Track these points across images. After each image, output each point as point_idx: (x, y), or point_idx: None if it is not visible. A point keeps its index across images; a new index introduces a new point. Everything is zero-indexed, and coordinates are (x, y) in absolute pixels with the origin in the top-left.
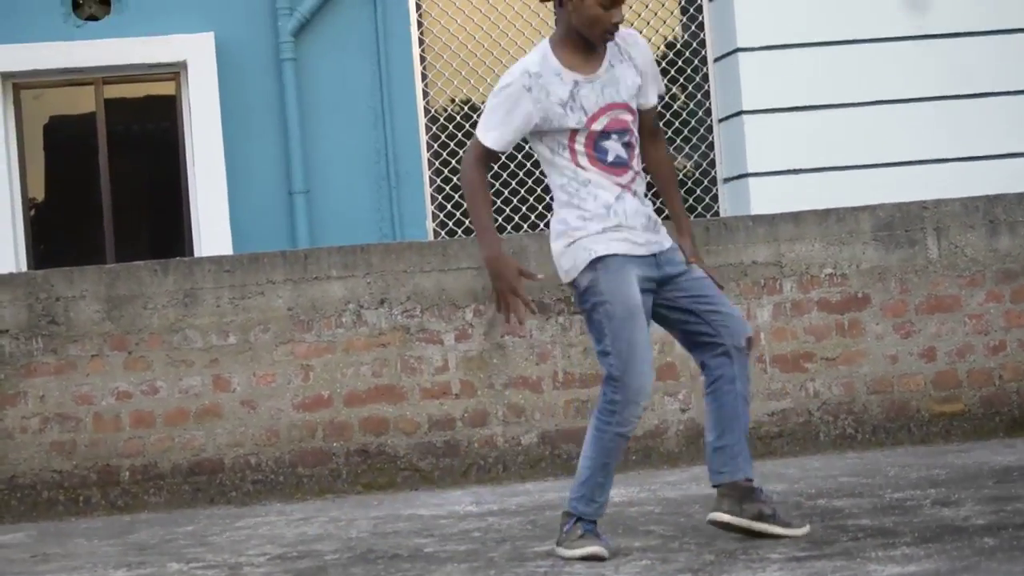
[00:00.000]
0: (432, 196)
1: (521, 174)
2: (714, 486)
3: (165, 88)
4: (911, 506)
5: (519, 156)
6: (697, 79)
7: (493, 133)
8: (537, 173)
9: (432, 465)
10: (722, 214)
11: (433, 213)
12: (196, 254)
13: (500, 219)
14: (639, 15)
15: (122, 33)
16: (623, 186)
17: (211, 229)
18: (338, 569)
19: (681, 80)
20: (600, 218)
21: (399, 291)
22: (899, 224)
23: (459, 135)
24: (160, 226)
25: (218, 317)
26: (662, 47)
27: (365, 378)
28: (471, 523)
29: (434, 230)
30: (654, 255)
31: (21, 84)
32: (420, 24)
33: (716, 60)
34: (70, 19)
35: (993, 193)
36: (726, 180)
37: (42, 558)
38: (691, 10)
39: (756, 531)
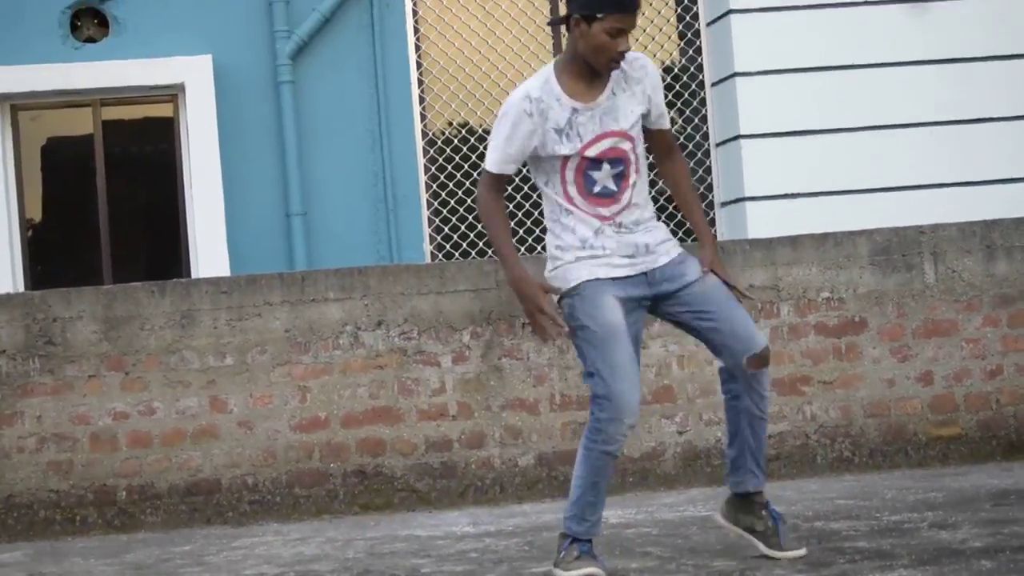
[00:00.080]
0: (429, 219)
1: (518, 197)
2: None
3: (163, 110)
4: (908, 529)
5: (516, 179)
6: (695, 103)
7: (493, 156)
8: (535, 196)
9: (429, 486)
10: (719, 238)
11: (430, 236)
12: (193, 275)
13: None
14: (637, 39)
15: (120, 55)
16: (606, 218)
17: (208, 251)
18: None
19: (679, 104)
20: (575, 249)
21: (396, 313)
22: (896, 248)
23: (456, 158)
24: (157, 247)
25: (215, 338)
26: (660, 71)
27: (362, 399)
28: (468, 544)
29: (431, 253)
30: (644, 274)
31: (19, 105)
32: (418, 47)
33: (714, 85)
34: (68, 41)
35: (990, 218)
36: (723, 204)
37: None
38: (689, 35)
39: (746, 541)
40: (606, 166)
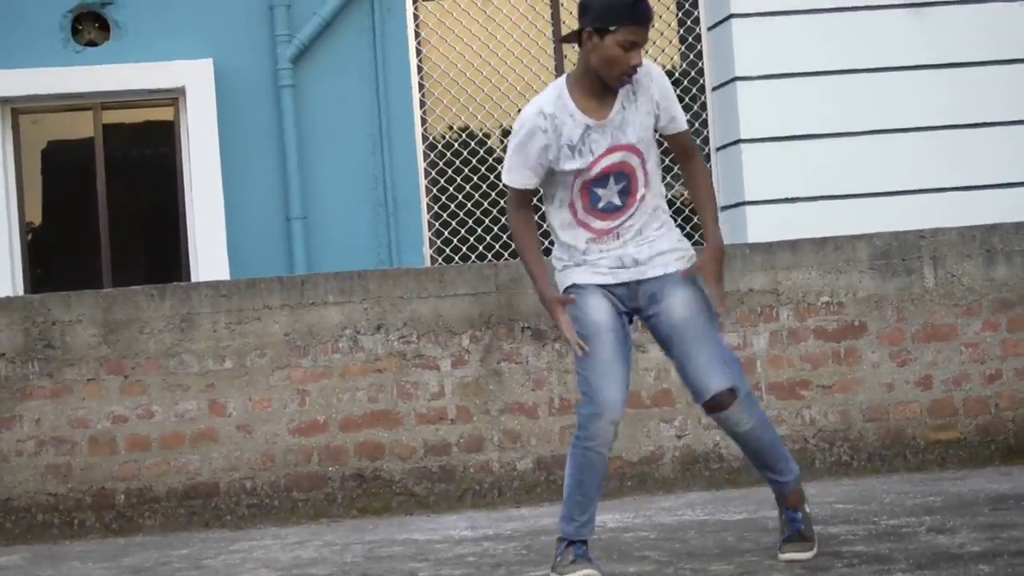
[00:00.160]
0: (429, 223)
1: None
2: None
3: (163, 114)
4: (906, 533)
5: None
6: (695, 108)
7: (512, 173)
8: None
9: (427, 490)
10: None
11: (430, 239)
12: (193, 279)
13: (497, 246)
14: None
15: (121, 59)
16: (607, 231)
17: (208, 254)
18: None
19: None
20: (566, 259)
21: (396, 317)
22: (896, 253)
23: (457, 162)
24: (157, 251)
25: (215, 342)
26: None
27: (361, 403)
28: (466, 548)
29: (431, 256)
30: (626, 284)
31: (20, 109)
32: (419, 51)
33: (714, 89)
34: (69, 45)
35: (990, 223)
36: (723, 208)
37: None
38: (690, 39)
39: None
40: (611, 182)
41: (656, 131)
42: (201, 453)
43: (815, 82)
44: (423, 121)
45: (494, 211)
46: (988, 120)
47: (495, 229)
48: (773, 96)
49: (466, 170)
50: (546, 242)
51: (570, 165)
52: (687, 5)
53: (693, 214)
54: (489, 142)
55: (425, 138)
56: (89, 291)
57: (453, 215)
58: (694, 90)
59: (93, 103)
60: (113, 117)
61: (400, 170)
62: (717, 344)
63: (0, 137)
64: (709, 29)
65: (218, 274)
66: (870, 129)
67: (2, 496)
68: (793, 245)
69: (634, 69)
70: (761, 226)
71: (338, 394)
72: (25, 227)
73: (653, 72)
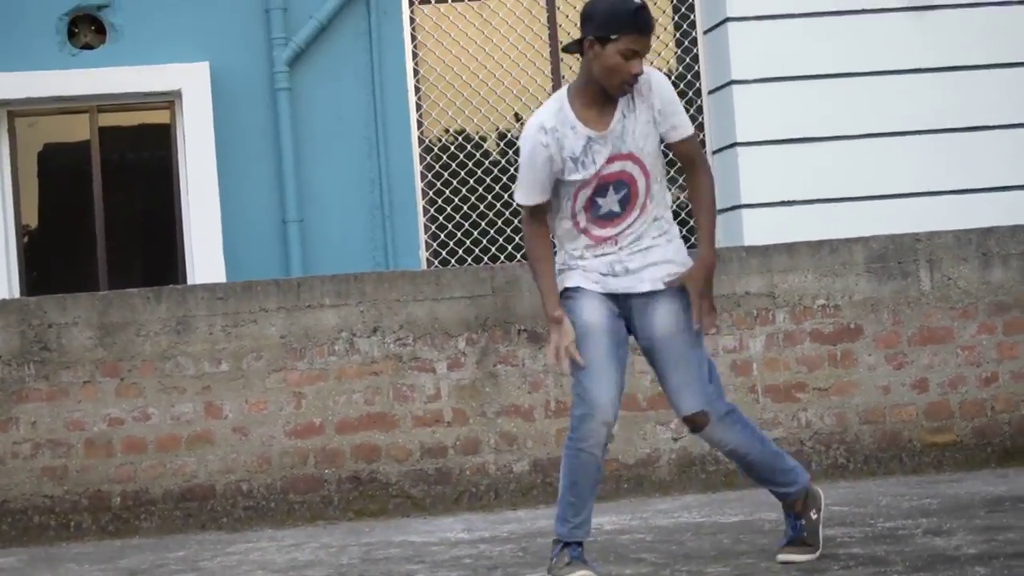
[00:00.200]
0: (425, 226)
1: (515, 204)
2: None
3: (160, 117)
4: (903, 535)
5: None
6: (691, 111)
7: (521, 189)
8: None
9: (424, 492)
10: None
11: (426, 242)
12: (189, 282)
13: (493, 249)
14: None
15: (117, 62)
16: (607, 239)
17: (204, 257)
18: None
19: None
20: (561, 263)
21: (392, 320)
22: (892, 256)
23: (453, 165)
24: (153, 254)
25: (211, 344)
26: None
27: (357, 406)
28: (462, 550)
29: (427, 259)
30: (614, 295)
31: (16, 112)
32: (415, 55)
33: (710, 92)
34: (65, 48)
35: (986, 226)
36: (720, 211)
37: None
38: (686, 43)
39: None
40: (611, 191)
41: (661, 140)
42: (197, 455)
43: (811, 85)
44: (419, 124)
45: (490, 214)
46: (984, 123)
47: (491, 232)
48: (769, 99)
49: (462, 173)
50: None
51: (573, 176)
52: (683, 8)
53: (691, 217)
54: (485, 145)
55: (421, 141)
56: (85, 293)
57: (449, 218)
58: (690, 93)
59: (89, 106)
60: (109, 120)
61: (396, 173)
62: (697, 364)
63: None
64: (705, 32)
65: (214, 277)
66: (866, 132)
67: None
68: (789, 248)
69: (635, 78)
70: (757, 229)
71: (334, 396)
72: (21, 230)
73: (652, 80)
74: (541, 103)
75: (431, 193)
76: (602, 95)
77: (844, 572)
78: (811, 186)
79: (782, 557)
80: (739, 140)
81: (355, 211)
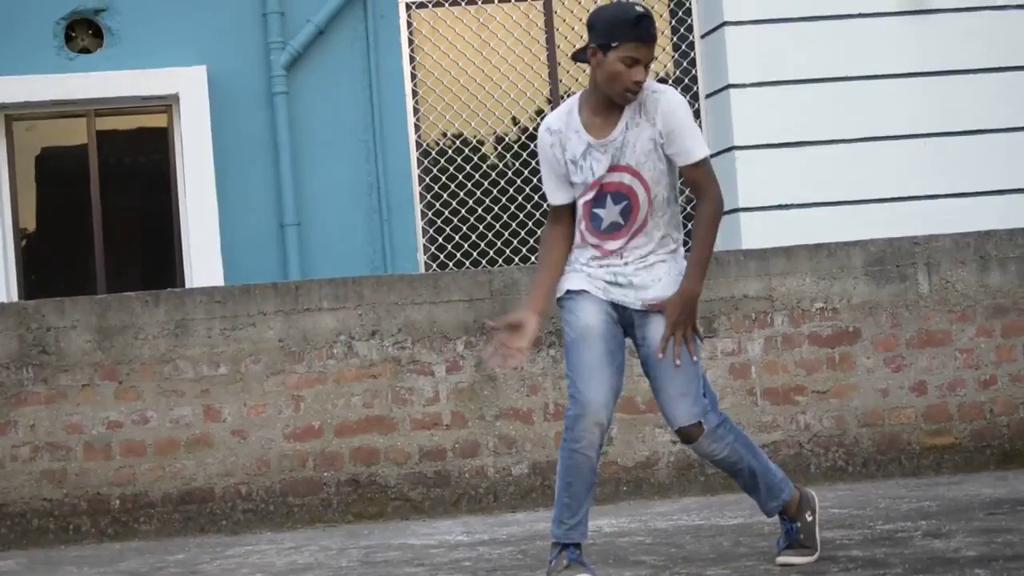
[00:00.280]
0: (423, 229)
1: (512, 208)
2: None
3: (157, 120)
4: (902, 538)
5: (510, 190)
6: None
7: (547, 188)
8: (528, 207)
9: (423, 495)
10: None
11: (424, 246)
12: (187, 285)
13: (491, 252)
14: None
15: (115, 66)
16: (609, 252)
17: (202, 261)
18: None
19: None
20: (568, 266)
21: (390, 323)
22: (890, 259)
23: (451, 168)
24: (151, 257)
25: (209, 348)
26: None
27: (356, 409)
28: (461, 553)
29: (425, 263)
30: (613, 304)
31: (14, 116)
32: (412, 59)
33: (708, 96)
34: (63, 52)
35: (984, 229)
36: None
37: None
38: (683, 47)
39: None
40: (609, 201)
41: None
42: (196, 458)
43: (808, 89)
44: (417, 128)
45: (488, 217)
46: (982, 127)
47: (489, 235)
48: (766, 103)
49: (460, 176)
50: (532, 241)
51: (575, 179)
52: (680, 12)
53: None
54: (483, 149)
55: (419, 145)
56: (83, 297)
57: (447, 221)
58: (687, 97)
59: (87, 110)
60: (107, 124)
61: (394, 176)
62: (689, 377)
63: None
64: (703, 36)
65: (212, 280)
66: (864, 136)
67: None
68: (787, 251)
69: (637, 85)
70: (755, 233)
71: (333, 400)
72: (19, 233)
73: (662, 100)
74: (538, 107)
75: (429, 196)
76: (609, 103)
77: (843, 574)
78: (809, 189)
79: (781, 560)
80: (736, 144)
81: (353, 215)
